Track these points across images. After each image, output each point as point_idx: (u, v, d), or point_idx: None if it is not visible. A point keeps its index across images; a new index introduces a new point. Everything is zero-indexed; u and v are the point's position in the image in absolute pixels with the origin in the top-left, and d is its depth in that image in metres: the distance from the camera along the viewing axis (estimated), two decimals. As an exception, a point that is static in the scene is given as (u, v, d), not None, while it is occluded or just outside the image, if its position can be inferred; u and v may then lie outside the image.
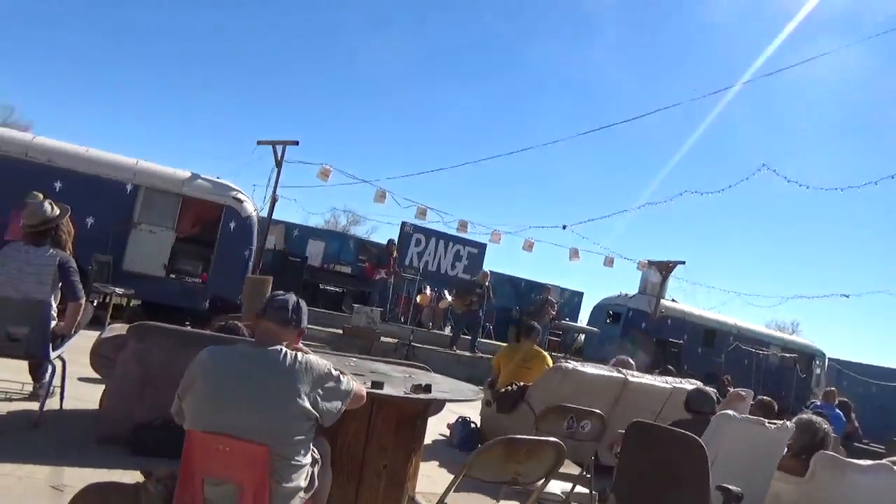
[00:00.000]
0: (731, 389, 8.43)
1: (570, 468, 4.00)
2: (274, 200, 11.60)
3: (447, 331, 14.09)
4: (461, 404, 5.41)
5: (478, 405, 6.35)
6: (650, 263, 16.42)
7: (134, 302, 11.10)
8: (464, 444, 6.09)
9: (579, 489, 3.97)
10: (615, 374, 5.96)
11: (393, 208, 14.85)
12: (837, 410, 8.31)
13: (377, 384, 2.97)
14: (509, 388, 5.93)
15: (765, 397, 6.81)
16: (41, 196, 8.56)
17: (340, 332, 10.81)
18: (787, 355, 19.20)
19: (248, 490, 2.17)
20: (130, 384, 4.13)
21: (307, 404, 2.25)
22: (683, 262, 16.31)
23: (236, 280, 10.87)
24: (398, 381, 3.44)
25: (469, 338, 12.59)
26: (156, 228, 10.45)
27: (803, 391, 19.20)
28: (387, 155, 65.26)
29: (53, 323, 4.41)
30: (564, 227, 15.28)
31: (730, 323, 18.57)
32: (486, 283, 12.71)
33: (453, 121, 67.55)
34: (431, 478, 4.71)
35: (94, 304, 7.82)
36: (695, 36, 61.73)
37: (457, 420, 6.32)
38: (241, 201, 11.06)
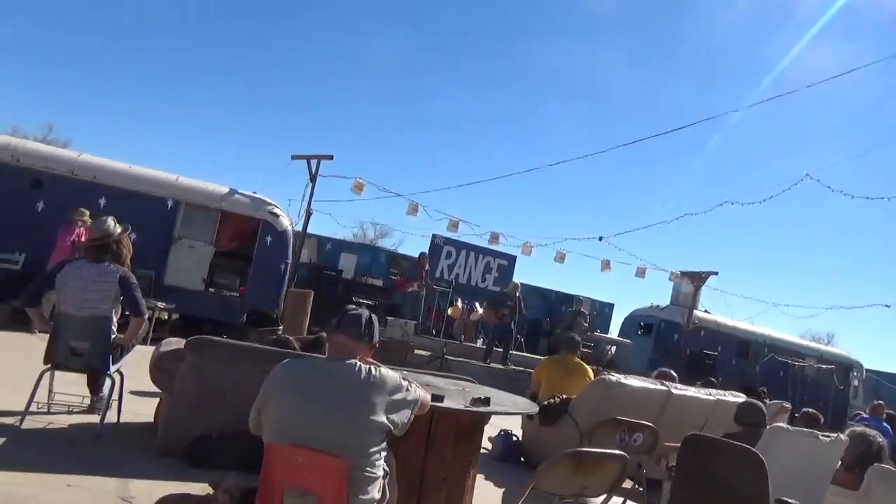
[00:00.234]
0: (768, 402, 8.34)
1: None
2: (308, 214, 11.76)
3: (479, 343, 14.11)
4: (502, 417, 5.43)
5: (518, 418, 6.36)
6: (682, 274, 16.26)
7: (173, 316, 11.32)
8: (505, 456, 6.10)
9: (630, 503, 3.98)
10: (659, 386, 5.94)
11: (424, 221, 14.90)
12: (885, 424, 8.14)
13: (437, 397, 3.02)
14: (552, 400, 5.94)
15: (810, 409, 6.74)
16: (87, 213, 8.90)
17: (375, 344, 10.87)
18: (824, 367, 18.83)
19: (328, 502, 2.24)
20: (188, 397, 4.25)
21: (382, 417, 2.32)
22: (716, 273, 16.13)
23: (273, 294, 11.07)
24: (454, 393, 3.49)
25: (501, 350, 12.60)
26: (195, 243, 10.69)
27: (841, 403, 18.83)
28: (415, 167, 65.67)
29: (113, 336, 4.54)
30: (601, 239, 15.16)
31: (764, 334, 18.28)
32: (517, 295, 12.74)
33: (486, 132, 67.66)
34: (477, 489, 4.73)
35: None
36: (728, 43, 61.08)
37: (498, 433, 6.33)
38: (277, 216, 11.26)
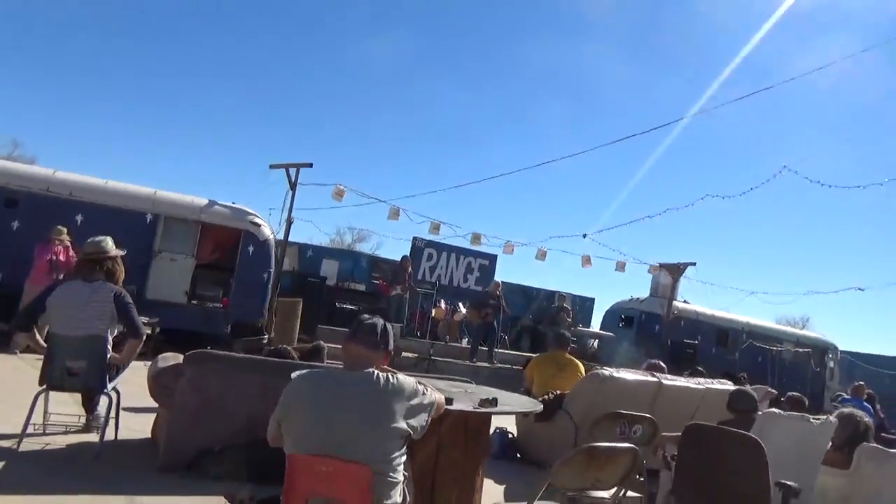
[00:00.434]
0: (750, 388, 8.53)
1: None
2: (290, 223, 11.69)
3: (464, 343, 14.19)
4: (497, 415, 5.51)
5: (513, 416, 6.44)
6: (661, 266, 16.52)
7: (156, 330, 11.18)
8: (501, 454, 6.18)
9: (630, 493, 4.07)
10: (650, 378, 6.07)
11: (405, 224, 14.87)
12: (866, 404, 8.40)
13: (448, 400, 3.07)
14: (546, 396, 6.03)
15: (795, 393, 6.92)
16: (65, 231, 8.77)
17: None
18: (801, 350, 19.26)
19: (352, 508, 2.28)
20: (189, 411, 4.24)
21: (403, 423, 2.37)
22: (694, 264, 16.38)
23: (257, 304, 11.00)
24: (459, 395, 3.55)
25: (486, 349, 12.71)
26: (176, 256, 10.57)
27: (818, 385, 19.25)
28: (394, 170, 65.46)
29: (108, 355, 4.51)
30: (585, 236, 15.31)
31: (742, 321, 18.65)
32: (499, 294, 12.88)
33: (467, 130, 67.66)
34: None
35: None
36: (702, 36, 61.84)
37: (494, 431, 6.39)
38: (258, 225, 11.18)
